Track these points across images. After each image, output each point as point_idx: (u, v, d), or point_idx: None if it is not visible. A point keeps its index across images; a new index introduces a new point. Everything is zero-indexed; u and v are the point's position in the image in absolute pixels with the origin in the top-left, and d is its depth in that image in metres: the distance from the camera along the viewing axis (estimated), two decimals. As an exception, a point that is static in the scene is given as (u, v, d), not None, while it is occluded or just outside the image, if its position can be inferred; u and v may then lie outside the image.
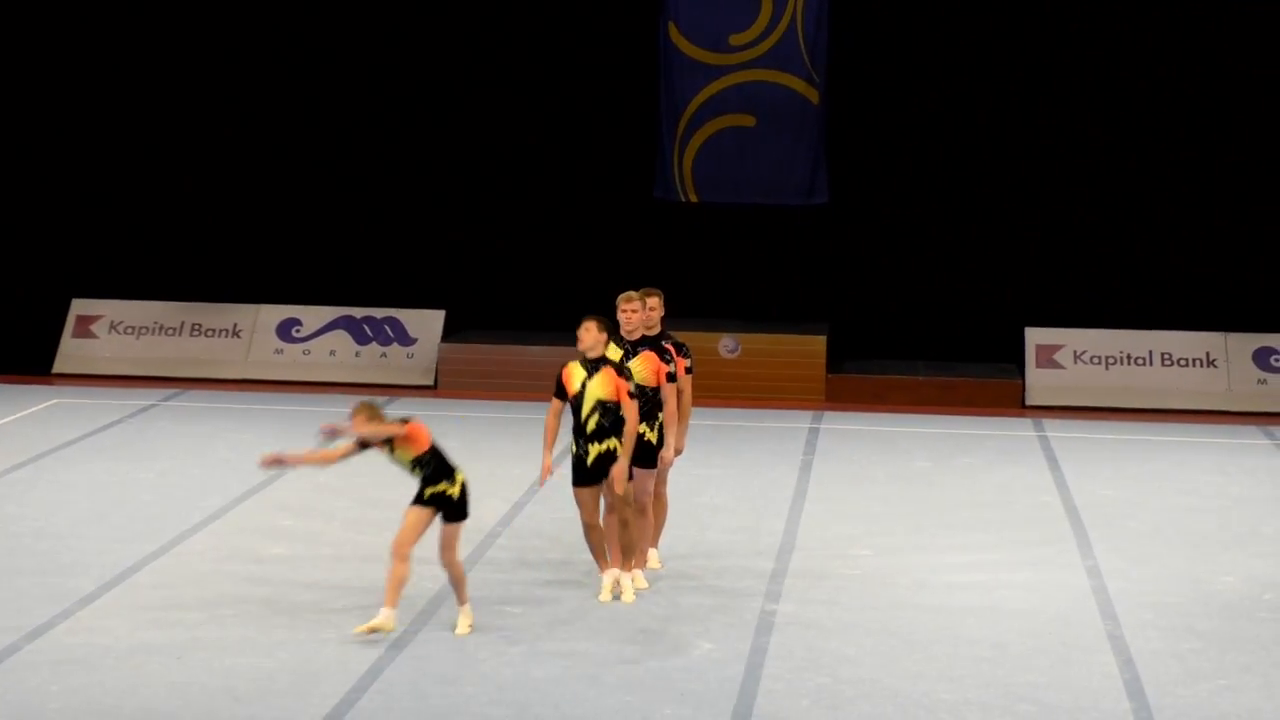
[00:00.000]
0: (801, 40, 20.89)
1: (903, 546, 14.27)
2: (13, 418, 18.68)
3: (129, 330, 21.94)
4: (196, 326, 21.91)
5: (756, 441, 18.23)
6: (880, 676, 11.16)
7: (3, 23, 22.31)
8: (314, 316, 21.94)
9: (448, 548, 11.68)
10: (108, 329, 21.93)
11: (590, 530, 12.59)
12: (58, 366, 21.65)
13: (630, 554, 12.62)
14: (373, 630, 11.46)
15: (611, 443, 12.32)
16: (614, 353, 12.76)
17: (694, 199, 21.29)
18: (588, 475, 12.47)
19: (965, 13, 21.33)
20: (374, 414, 11.44)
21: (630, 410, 12.29)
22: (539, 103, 21.90)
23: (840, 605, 12.62)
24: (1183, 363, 20.83)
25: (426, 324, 21.77)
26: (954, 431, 18.97)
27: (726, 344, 20.79)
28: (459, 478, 11.66)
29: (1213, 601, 12.94)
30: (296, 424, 18.61)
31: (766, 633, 11.99)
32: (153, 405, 19.63)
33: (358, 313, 21.89)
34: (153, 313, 21.98)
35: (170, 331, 21.91)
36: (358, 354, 21.66)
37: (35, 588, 12.50)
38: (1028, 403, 20.50)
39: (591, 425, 12.33)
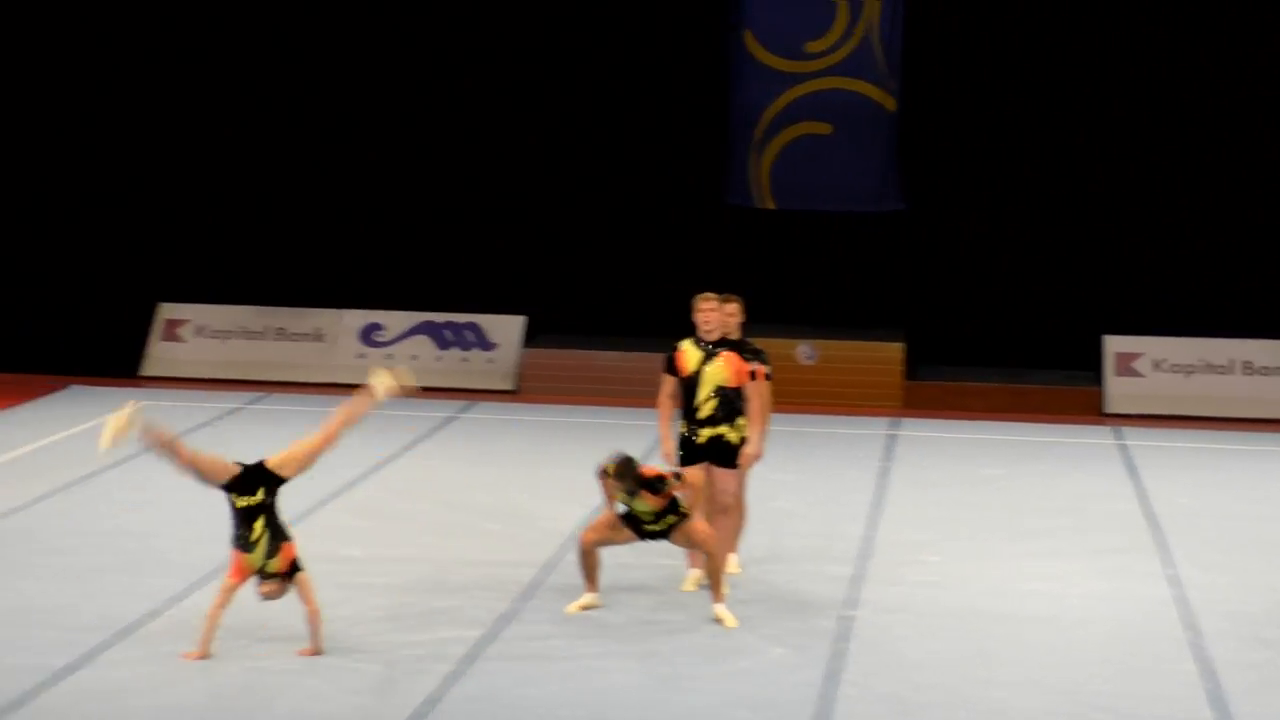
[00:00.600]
0: (877, 46, 20.80)
1: (979, 553, 14.21)
2: (102, 419, 18.79)
3: (215, 334, 22.08)
4: (280, 331, 22.03)
5: (833, 448, 18.18)
6: (955, 684, 11.11)
7: (88, 32, 22.51)
8: (396, 321, 22.01)
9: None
10: (194, 333, 22.08)
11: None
12: (145, 369, 21.81)
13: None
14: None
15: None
16: (692, 356, 12.75)
17: (771, 205, 21.25)
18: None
19: (1041, 16, 21.18)
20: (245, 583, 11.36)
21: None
22: (616, 110, 21.92)
23: (915, 612, 12.58)
24: (1264, 371, 20.61)
25: (507, 329, 21.80)
26: (1030, 439, 18.84)
27: (804, 351, 20.74)
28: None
29: (1292, 611, 12.84)
30: (376, 428, 18.65)
31: (842, 639, 11.96)
32: (238, 409, 19.74)
33: (439, 318, 21.94)
34: (238, 317, 22.12)
35: (255, 335, 22.03)
36: (439, 358, 21.71)
37: (120, 587, 12.60)
38: (1106, 410, 20.33)
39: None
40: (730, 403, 12.70)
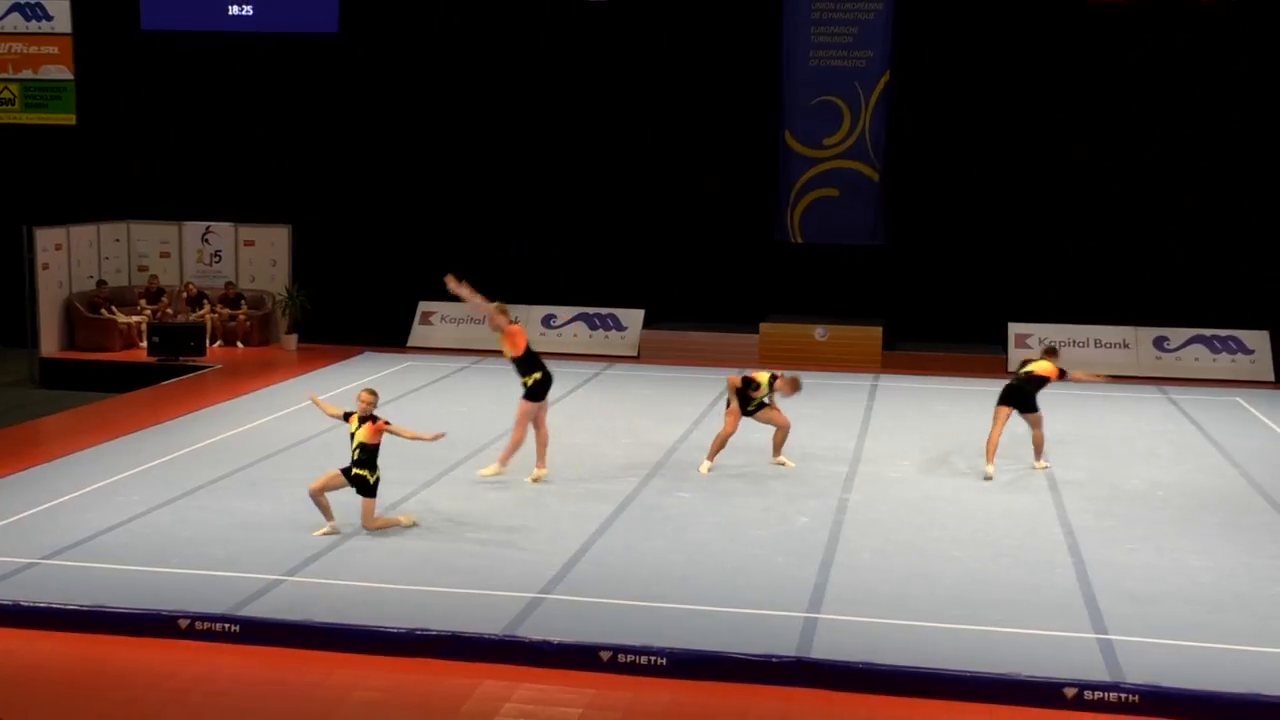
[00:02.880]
0: (868, 140, 20.86)
1: (930, 461, 14.24)
2: (384, 373, 19.04)
3: (452, 320, 22.12)
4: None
5: (838, 393, 18.21)
6: (913, 540, 11.27)
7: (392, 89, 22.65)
8: (564, 313, 21.89)
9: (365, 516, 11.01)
10: (440, 319, 22.18)
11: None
12: (410, 342, 21.85)
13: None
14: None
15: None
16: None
17: (800, 240, 21.32)
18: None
19: (977, 121, 21.01)
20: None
21: None
22: (704, 182, 21.82)
23: (889, 496, 12.70)
24: (1108, 345, 20.48)
25: (633, 317, 21.70)
26: (962, 389, 18.75)
27: (819, 331, 20.75)
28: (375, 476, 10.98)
29: (1124, 495, 12.86)
30: (557, 379, 18.74)
31: (842, 512, 12.13)
32: (464, 368, 19.97)
33: (590, 310, 21.79)
34: (465, 309, 22.03)
35: (476, 322, 22.02)
36: (590, 336, 21.50)
37: (392, 475, 12.84)
38: (1010, 370, 20.12)
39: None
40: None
